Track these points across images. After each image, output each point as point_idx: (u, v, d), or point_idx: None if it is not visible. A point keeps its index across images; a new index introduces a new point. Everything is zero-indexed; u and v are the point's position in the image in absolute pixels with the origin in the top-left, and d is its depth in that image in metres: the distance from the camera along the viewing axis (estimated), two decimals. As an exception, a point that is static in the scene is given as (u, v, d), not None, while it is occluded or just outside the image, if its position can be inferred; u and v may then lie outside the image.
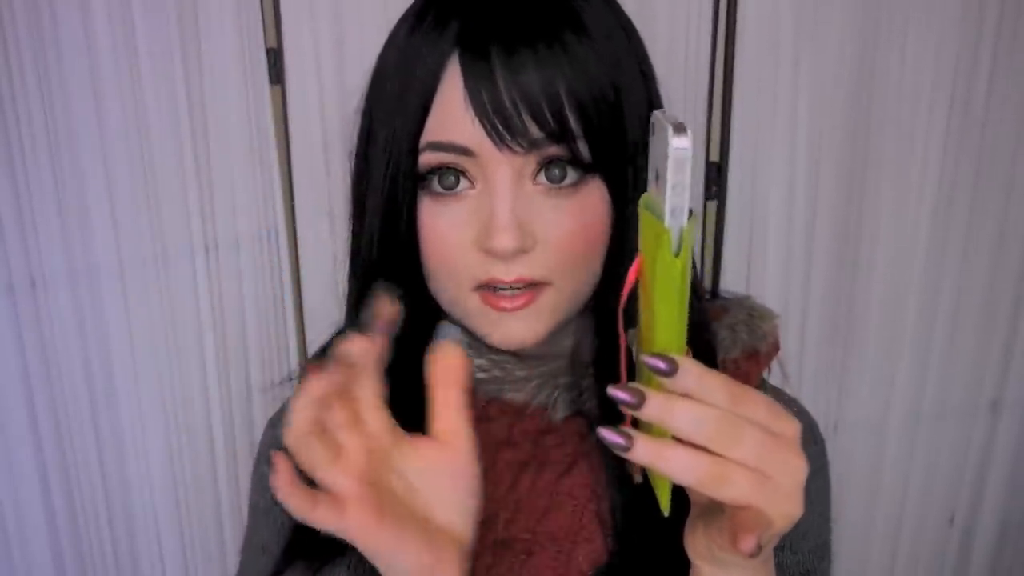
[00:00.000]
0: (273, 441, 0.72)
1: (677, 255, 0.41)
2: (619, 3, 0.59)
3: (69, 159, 0.98)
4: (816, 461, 0.71)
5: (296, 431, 0.45)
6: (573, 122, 0.52)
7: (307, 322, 1.11)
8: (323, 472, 0.45)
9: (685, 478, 0.42)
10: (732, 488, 0.42)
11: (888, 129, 1.11)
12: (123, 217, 1.02)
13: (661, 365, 0.41)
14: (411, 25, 0.56)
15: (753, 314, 0.66)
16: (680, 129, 0.40)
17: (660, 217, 0.41)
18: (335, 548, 0.62)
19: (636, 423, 0.45)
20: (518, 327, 0.56)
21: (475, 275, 0.55)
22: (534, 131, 0.52)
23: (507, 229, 0.52)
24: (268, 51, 1.01)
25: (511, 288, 0.55)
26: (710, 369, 0.42)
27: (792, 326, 1.17)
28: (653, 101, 0.58)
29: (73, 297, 1.03)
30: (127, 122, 0.99)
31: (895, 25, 1.07)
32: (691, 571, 0.51)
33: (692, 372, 0.42)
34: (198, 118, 1.01)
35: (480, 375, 0.61)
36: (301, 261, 1.09)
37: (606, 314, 0.58)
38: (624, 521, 0.60)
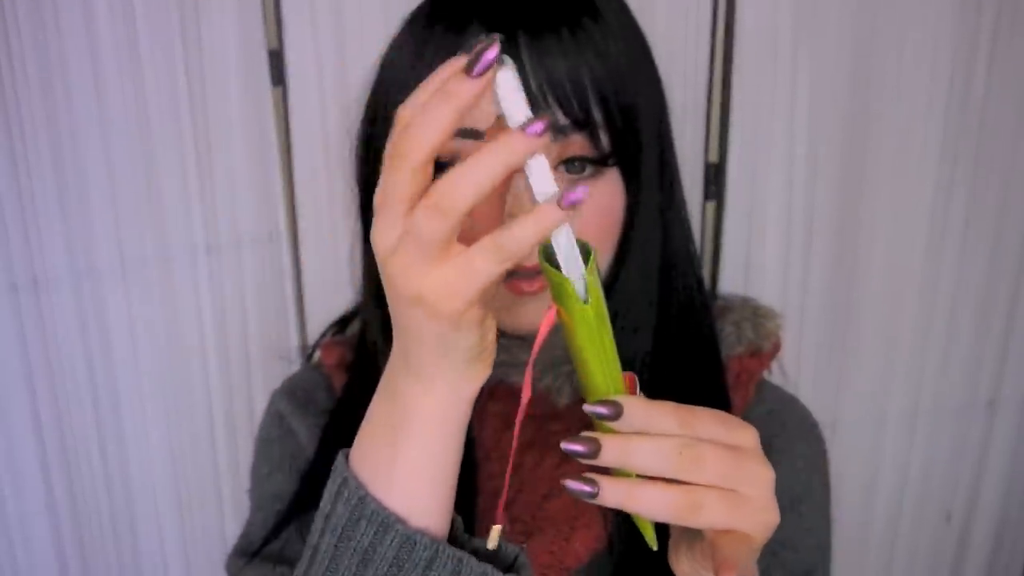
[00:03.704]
0: (281, 401, 0.74)
1: (586, 302, 0.40)
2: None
3: (72, 160, 0.99)
4: (816, 460, 0.72)
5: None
6: (596, 112, 0.53)
7: (308, 322, 1.12)
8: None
9: (659, 514, 0.41)
10: (708, 513, 0.41)
11: (886, 129, 1.11)
12: (125, 217, 1.02)
13: (605, 411, 0.41)
14: (427, 18, 0.56)
15: (758, 312, 0.67)
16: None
17: (557, 268, 0.40)
18: None
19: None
20: (532, 311, 0.57)
21: None
22: (559, 116, 0.52)
23: None
24: (269, 53, 1.01)
25: (531, 272, 0.56)
26: (653, 401, 0.42)
27: (790, 325, 1.17)
28: (663, 106, 0.60)
29: (75, 297, 1.03)
30: (129, 123, 1.00)
31: (893, 24, 1.08)
32: None
33: (638, 409, 0.41)
34: (200, 119, 1.01)
35: None
36: (302, 261, 1.09)
37: (615, 303, 0.59)
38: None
